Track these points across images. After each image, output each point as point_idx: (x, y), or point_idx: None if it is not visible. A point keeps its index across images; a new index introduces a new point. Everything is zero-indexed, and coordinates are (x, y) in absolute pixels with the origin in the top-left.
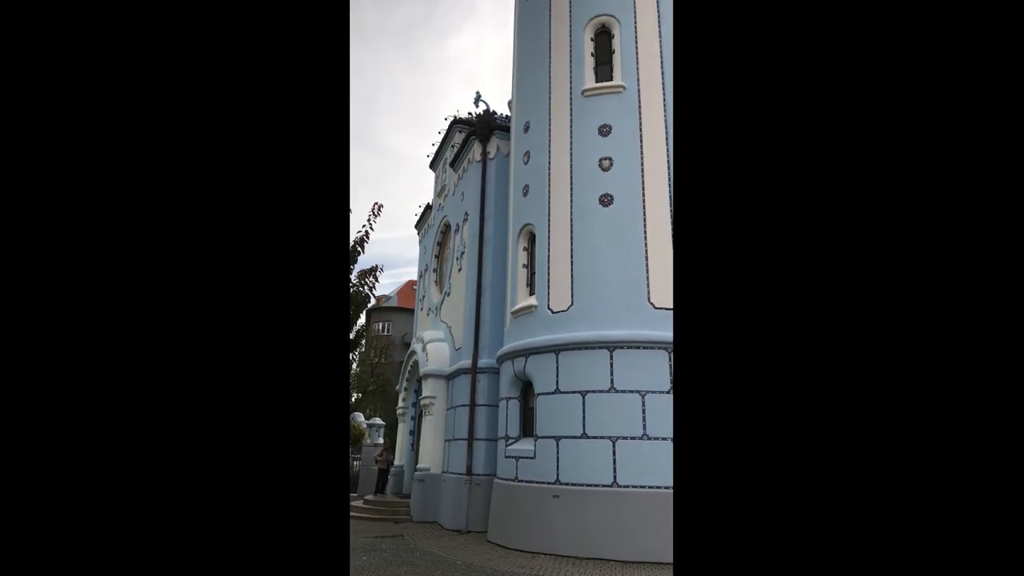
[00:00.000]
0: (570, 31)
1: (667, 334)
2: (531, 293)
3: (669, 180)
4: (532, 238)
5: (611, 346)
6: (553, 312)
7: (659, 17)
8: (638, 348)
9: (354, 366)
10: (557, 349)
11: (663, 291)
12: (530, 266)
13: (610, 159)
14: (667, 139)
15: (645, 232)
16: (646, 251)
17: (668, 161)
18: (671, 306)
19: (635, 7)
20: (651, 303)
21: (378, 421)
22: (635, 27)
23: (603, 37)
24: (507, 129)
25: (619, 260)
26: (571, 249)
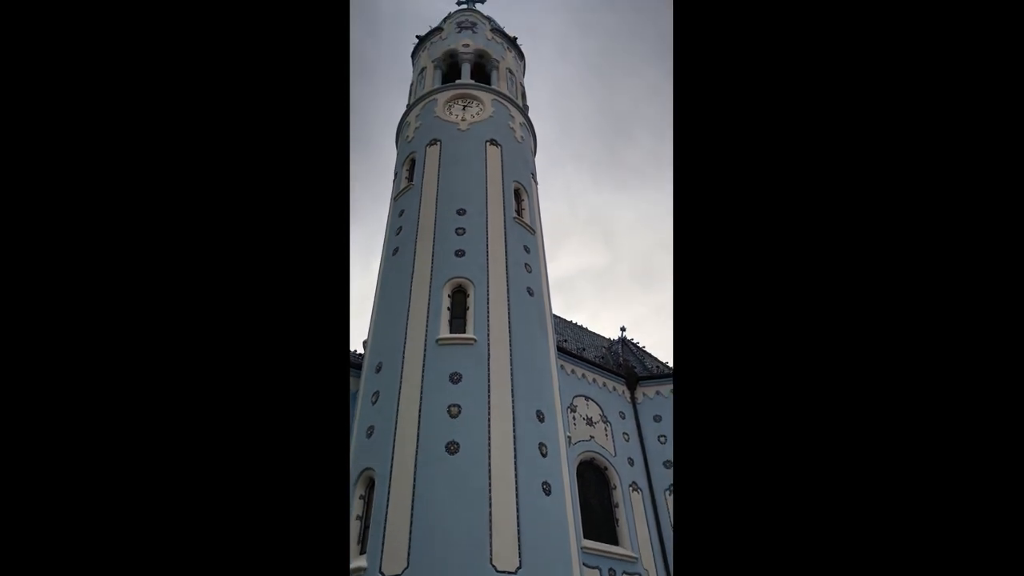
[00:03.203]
0: (430, 286)
1: None
2: (362, 551)
3: (514, 430)
4: (371, 485)
5: None
6: None
7: (508, 283)
8: None
9: None
10: None
11: (506, 552)
12: (365, 518)
13: (459, 406)
14: (512, 390)
15: (490, 486)
16: (490, 506)
17: (513, 412)
18: (514, 569)
19: (488, 274)
20: (493, 566)
21: None
22: (487, 289)
23: (459, 295)
24: (358, 367)
25: (462, 515)
26: (412, 500)
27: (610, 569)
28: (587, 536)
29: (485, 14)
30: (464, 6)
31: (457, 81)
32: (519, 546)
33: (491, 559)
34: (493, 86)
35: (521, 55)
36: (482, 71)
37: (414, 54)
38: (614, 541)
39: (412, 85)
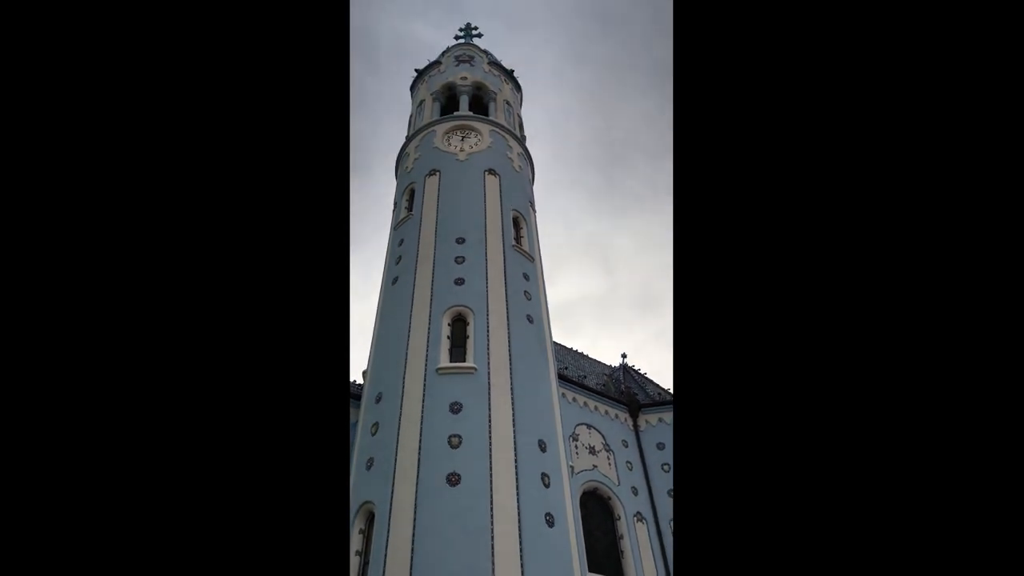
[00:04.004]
0: (429, 315)
1: None
2: None
3: (516, 460)
4: (371, 519)
5: None
6: None
7: (508, 311)
8: None
9: None
10: None
11: None
12: (364, 554)
13: (459, 436)
14: (514, 419)
15: (492, 518)
16: (492, 539)
17: (514, 441)
18: None
19: (488, 302)
20: None
21: None
22: (487, 318)
23: (459, 324)
24: (358, 397)
25: (464, 548)
26: (413, 533)
27: None
28: (591, 569)
29: (482, 48)
30: (462, 40)
31: (455, 113)
32: None
33: None
34: (491, 117)
35: (518, 87)
36: (480, 103)
37: (413, 87)
38: (619, 574)
39: (411, 117)
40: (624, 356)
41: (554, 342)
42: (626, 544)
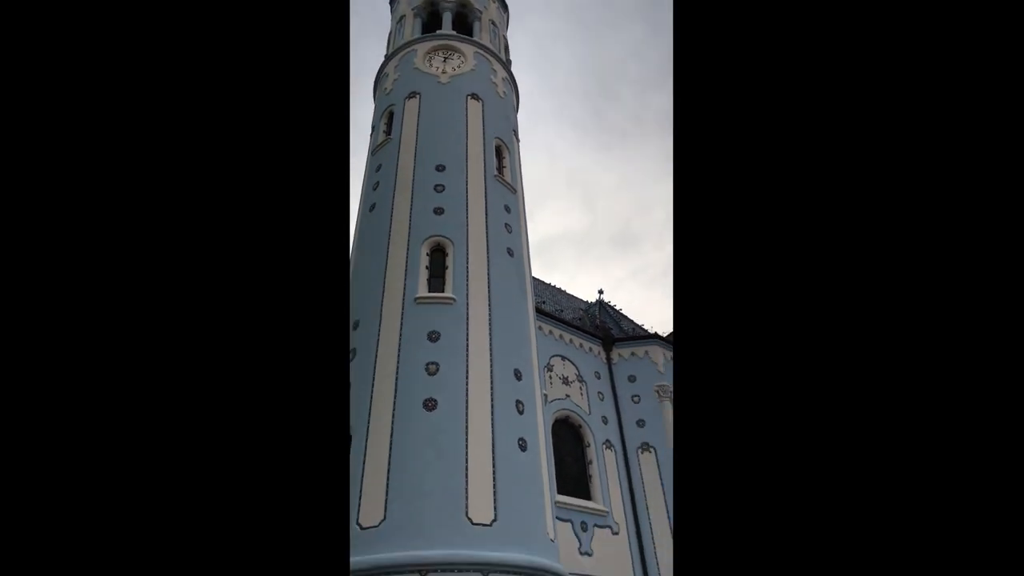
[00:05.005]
0: (408, 246)
1: (484, 554)
2: None
3: (492, 388)
4: (348, 441)
5: (424, 569)
6: (363, 528)
7: (488, 242)
8: (452, 571)
9: None
10: (362, 575)
11: (482, 506)
12: None
13: (436, 364)
14: (491, 349)
15: (467, 441)
16: (466, 462)
17: (491, 371)
18: (489, 522)
19: (467, 233)
20: (469, 518)
21: None
22: (467, 248)
23: (438, 254)
24: None
25: (439, 470)
26: (389, 454)
27: (582, 522)
28: (561, 491)
29: None
30: None
31: (438, 31)
32: (495, 500)
33: (467, 512)
34: (475, 38)
35: (505, 6)
36: (464, 22)
37: (392, 0)
38: (587, 496)
39: (391, 34)
40: (601, 292)
41: (533, 277)
42: (594, 469)
